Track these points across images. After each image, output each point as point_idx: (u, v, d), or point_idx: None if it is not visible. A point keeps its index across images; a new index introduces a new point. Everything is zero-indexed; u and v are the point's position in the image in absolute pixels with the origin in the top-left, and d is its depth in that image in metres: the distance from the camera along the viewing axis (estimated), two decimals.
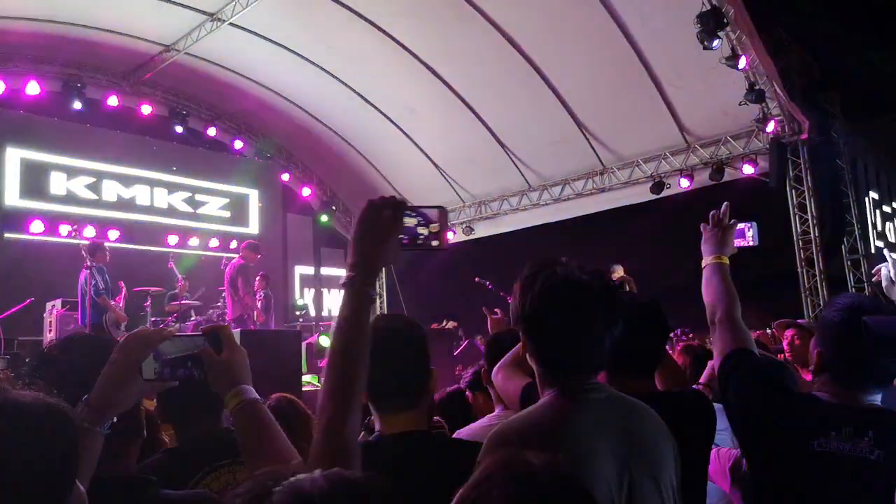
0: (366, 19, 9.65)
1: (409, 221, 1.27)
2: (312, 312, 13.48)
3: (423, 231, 1.27)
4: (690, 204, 9.76)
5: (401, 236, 1.25)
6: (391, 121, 11.72)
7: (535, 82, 9.88)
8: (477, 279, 9.89)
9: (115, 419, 1.24)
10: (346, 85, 11.19)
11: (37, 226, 10.11)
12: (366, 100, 11.42)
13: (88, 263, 7.72)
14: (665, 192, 10.22)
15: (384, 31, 9.85)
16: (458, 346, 10.23)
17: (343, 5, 9.40)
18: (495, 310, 3.26)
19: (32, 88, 10.31)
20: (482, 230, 12.85)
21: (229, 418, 1.30)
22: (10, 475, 0.75)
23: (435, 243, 1.28)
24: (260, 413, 1.25)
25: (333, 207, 14.28)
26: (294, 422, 2.34)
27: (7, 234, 10.00)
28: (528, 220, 12.16)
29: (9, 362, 7.41)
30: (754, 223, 2.08)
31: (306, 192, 13.85)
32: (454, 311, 11.54)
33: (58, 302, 8.55)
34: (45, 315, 8.68)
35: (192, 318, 9.17)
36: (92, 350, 1.44)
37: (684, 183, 10.04)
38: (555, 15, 8.89)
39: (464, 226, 12.87)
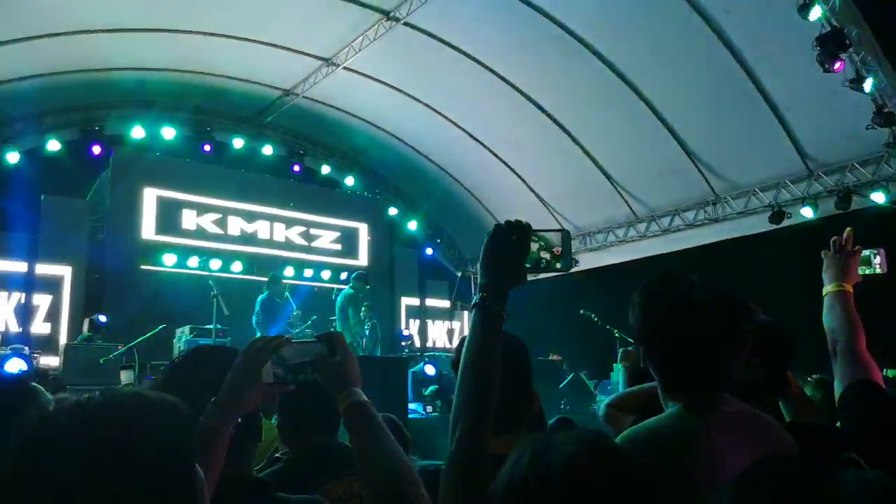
0: (471, 57, 9.91)
1: (534, 245, 1.30)
2: (418, 343, 13.64)
3: (545, 255, 1.30)
4: (814, 234, 9.19)
5: (537, 257, 1.29)
6: (495, 155, 11.87)
7: (641, 111, 9.72)
8: (582, 311, 9.82)
9: (239, 420, 1.30)
10: (451, 121, 11.46)
11: (170, 258, 10.96)
12: (471, 135, 11.64)
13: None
14: (785, 222, 9.71)
15: (488, 68, 10.06)
16: (562, 380, 10.06)
17: (449, 45, 9.71)
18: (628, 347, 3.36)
19: (168, 133, 11.32)
20: (587, 262, 12.66)
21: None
22: (133, 459, 0.76)
23: (559, 265, 1.31)
24: (369, 413, 1.28)
25: (438, 240, 14.57)
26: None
27: (144, 266, 10.89)
28: (635, 251, 11.85)
29: (137, 378, 8.03)
30: (882, 249, 1.97)
31: (412, 225, 14.16)
32: (558, 344, 11.40)
33: (186, 328, 9.16)
34: (174, 341, 9.35)
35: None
36: (215, 359, 1.50)
37: (807, 212, 9.48)
38: (661, 44, 8.75)
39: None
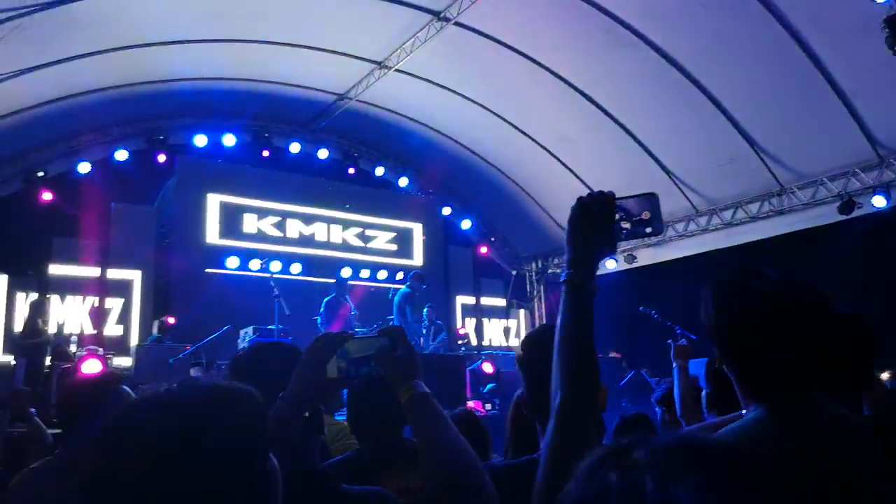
0: (522, 54, 9.87)
1: (618, 214, 1.27)
2: (474, 341, 13.66)
3: (626, 225, 1.26)
4: (887, 224, 8.81)
5: (619, 225, 1.25)
6: (547, 150, 11.78)
7: (699, 101, 9.49)
8: (641, 308, 9.67)
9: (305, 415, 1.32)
10: (503, 119, 11.43)
11: (232, 261, 11.31)
12: (523, 132, 11.58)
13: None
14: (855, 212, 9.35)
15: (540, 65, 9.99)
16: (622, 378, 9.95)
17: (500, 42, 9.70)
18: (682, 340, 3.32)
19: (228, 140, 11.68)
20: (645, 258, 12.47)
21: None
22: (206, 448, 0.78)
23: (649, 230, 1.27)
24: (431, 404, 1.28)
25: (493, 239, 14.53)
26: (474, 431, 2.42)
27: (208, 269, 11.27)
28: (696, 246, 11.57)
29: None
30: None
31: (466, 224, 14.19)
32: (616, 342, 11.26)
33: (250, 329, 9.41)
34: (238, 341, 9.61)
35: None
36: (275, 355, 1.54)
37: (879, 201, 9.08)
38: (720, 32, 8.51)
39: (625, 254, 12.52)
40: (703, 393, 2.54)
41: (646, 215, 1.27)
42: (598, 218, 1.23)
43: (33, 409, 3.37)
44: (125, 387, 2.44)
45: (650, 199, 1.28)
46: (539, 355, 1.63)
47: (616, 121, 10.55)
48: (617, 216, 1.26)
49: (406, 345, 1.36)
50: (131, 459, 0.75)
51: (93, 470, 0.78)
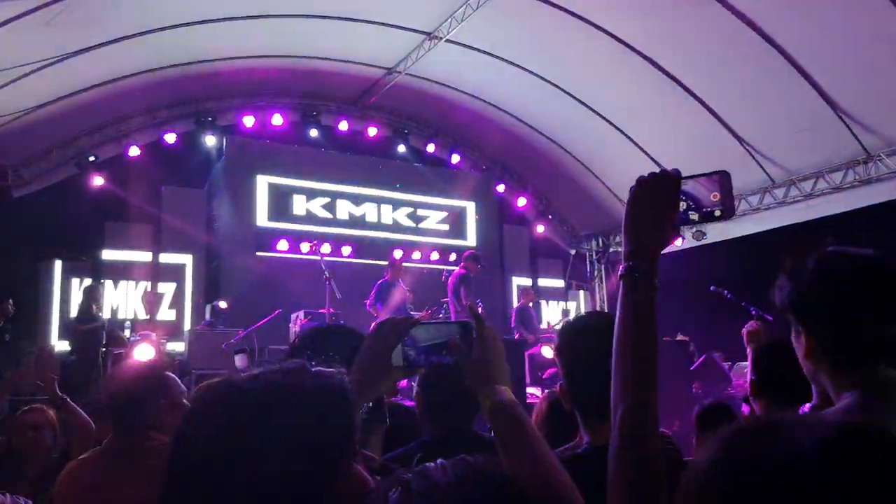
0: (581, 18, 9.41)
1: (683, 197, 1.20)
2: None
3: (692, 212, 1.21)
4: None
5: (683, 211, 1.19)
6: (610, 122, 11.35)
7: (775, 64, 8.91)
8: (713, 288, 9.27)
9: (369, 405, 1.31)
10: (560, 89, 11.03)
11: (282, 244, 11.35)
12: (582, 102, 11.17)
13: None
14: None
15: (601, 29, 9.53)
16: (691, 362, 9.56)
17: (555, 6, 9.27)
18: (751, 322, 3.27)
19: (276, 120, 11.64)
20: (716, 234, 12.00)
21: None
22: (293, 437, 0.84)
23: (718, 213, 1.21)
24: (516, 414, 1.23)
25: (550, 217, 14.30)
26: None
27: (259, 253, 11.33)
28: (772, 220, 11.01)
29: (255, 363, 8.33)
30: None
31: (521, 202, 13.98)
32: (684, 323, 10.84)
33: (301, 313, 9.42)
34: (290, 325, 9.62)
35: None
36: (339, 339, 1.55)
37: None
38: None
39: (693, 231, 12.03)
40: (748, 380, 2.49)
41: (714, 196, 1.20)
42: (661, 203, 1.17)
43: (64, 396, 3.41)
44: (172, 374, 2.57)
45: (720, 178, 1.21)
46: (581, 344, 1.68)
47: (684, 87, 10.06)
48: (682, 199, 1.20)
49: (487, 339, 1.31)
50: (213, 447, 0.81)
51: (175, 455, 0.84)
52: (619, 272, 1.17)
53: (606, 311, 13.59)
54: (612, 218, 13.23)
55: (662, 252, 1.18)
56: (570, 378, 1.73)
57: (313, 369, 0.93)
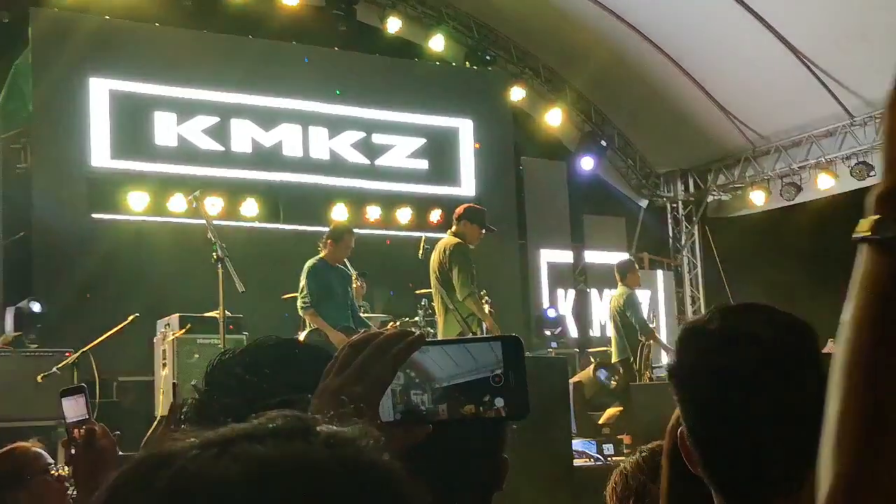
0: None
1: None
2: (574, 332, 13.72)
3: None
4: None
5: None
6: None
7: None
8: None
9: None
10: None
11: (137, 199, 11.20)
12: None
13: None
14: None
15: None
16: None
17: None
18: None
19: None
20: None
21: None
22: None
23: None
24: None
25: (604, 144, 14.30)
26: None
27: (95, 215, 11.18)
28: None
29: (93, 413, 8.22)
30: None
31: (556, 117, 13.92)
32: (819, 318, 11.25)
33: (173, 318, 9.34)
34: (155, 340, 9.59)
35: None
36: (288, 366, 1.66)
37: None
38: None
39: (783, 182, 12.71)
40: None
41: None
42: None
43: None
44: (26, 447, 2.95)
45: None
46: (719, 364, 1.72)
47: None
48: None
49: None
50: None
51: None
52: (857, 235, 1.09)
53: (704, 300, 13.78)
54: (718, 146, 13.74)
55: None
56: (697, 424, 1.76)
57: (324, 432, 0.92)
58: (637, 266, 11.98)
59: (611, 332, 11.52)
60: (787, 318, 1.76)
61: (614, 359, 11.01)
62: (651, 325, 11.52)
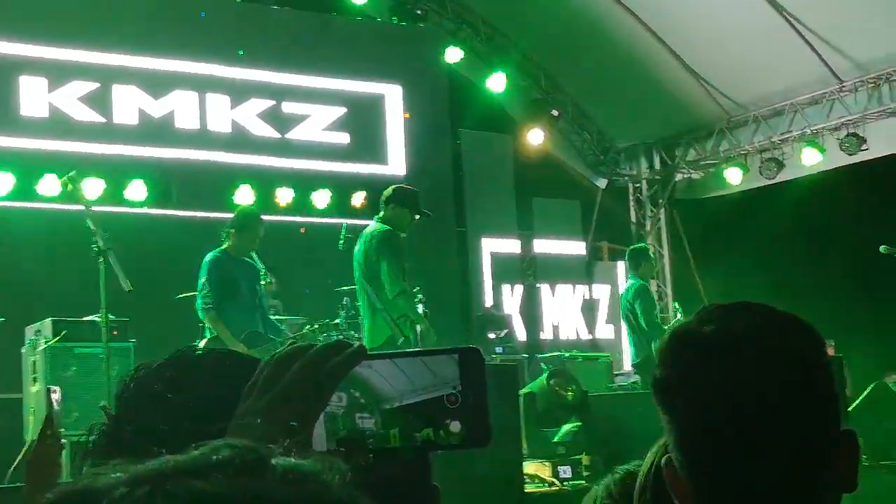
0: None
1: None
2: (522, 333, 13.80)
3: None
4: None
5: None
6: None
7: None
8: (884, 248, 9.74)
9: None
10: None
11: (2, 180, 11.05)
12: None
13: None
14: None
15: None
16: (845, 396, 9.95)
17: None
18: None
19: None
20: (880, 141, 13.20)
21: None
22: None
23: None
24: None
25: (555, 113, 14.40)
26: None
27: None
28: None
29: None
30: None
31: (498, 82, 14.00)
32: (806, 309, 11.41)
33: (44, 324, 9.15)
34: (22, 351, 9.36)
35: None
36: (202, 378, 1.65)
37: None
38: None
39: (845, 133, 12.92)
40: None
41: None
42: None
43: None
44: None
45: None
46: (724, 375, 1.74)
47: None
48: None
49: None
50: None
51: None
52: None
53: (671, 294, 13.94)
54: (690, 116, 14.10)
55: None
56: (687, 446, 1.76)
57: (281, 465, 0.89)
58: (650, 254, 12.12)
59: (625, 331, 11.73)
60: (792, 319, 1.76)
61: (633, 360, 11.24)
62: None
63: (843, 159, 13.35)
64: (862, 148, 13.13)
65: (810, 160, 13.59)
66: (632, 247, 12.56)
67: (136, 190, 11.59)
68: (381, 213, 9.22)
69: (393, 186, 9.79)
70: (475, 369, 1.38)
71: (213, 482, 0.83)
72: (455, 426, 1.36)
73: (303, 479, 0.88)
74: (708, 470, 1.74)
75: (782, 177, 14.07)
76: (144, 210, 11.61)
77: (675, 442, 1.77)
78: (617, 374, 12.59)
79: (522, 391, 9.54)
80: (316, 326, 9.71)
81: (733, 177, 14.18)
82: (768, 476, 1.72)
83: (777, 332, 1.74)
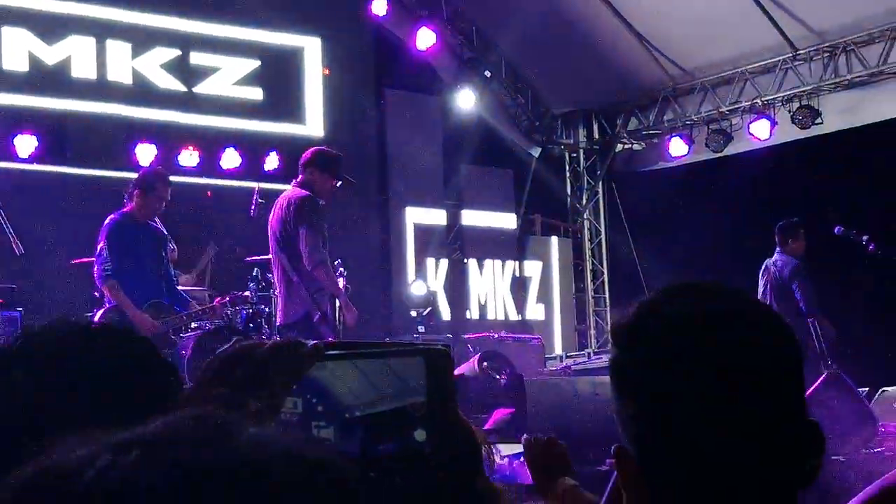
0: None
1: None
2: (447, 313, 13.99)
3: None
4: None
5: None
6: None
7: None
8: (839, 230, 9.91)
9: None
10: None
11: None
12: None
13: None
14: None
15: None
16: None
17: None
18: None
19: None
20: (834, 116, 13.70)
21: None
22: None
23: None
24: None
25: (488, 73, 14.50)
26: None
27: None
28: None
29: None
30: None
31: (426, 38, 14.00)
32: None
33: None
34: None
35: (193, 328, 9.64)
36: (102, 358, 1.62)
37: None
38: None
39: (795, 102, 13.46)
40: None
41: None
42: None
43: None
44: None
45: None
46: (695, 352, 1.77)
47: None
48: None
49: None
50: None
51: None
52: None
53: (608, 274, 14.15)
54: (630, 84, 14.27)
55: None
56: (642, 442, 1.78)
57: (248, 433, 0.93)
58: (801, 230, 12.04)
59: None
60: (744, 295, 1.85)
61: None
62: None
63: (795, 133, 13.63)
64: (816, 121, 13.40)
65: (760, 133, 13.81)
66: (782, 221, 12.48)
67: (25, 144, 11.50)
68: (300, 178, 9.18)
69: (313, 149, 9.80)
70: (443, 373, 1.42)
71: (192, 452, 0.85)
72: (420, 434, 1.40)
73: (272, 443, 0.90)
74: (682, 462, 1.72)
75: (730, 150, 14.28)
76: (35, 167, 11.51)
77: (631, 434, 1.76)
78: (549, 358, 12.69)
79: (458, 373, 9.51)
80: (227, 299, 9.63)
81: (677, 149, 14.44)
82: (755, 468, 1.70)
83: (760, 310, 1.82)
